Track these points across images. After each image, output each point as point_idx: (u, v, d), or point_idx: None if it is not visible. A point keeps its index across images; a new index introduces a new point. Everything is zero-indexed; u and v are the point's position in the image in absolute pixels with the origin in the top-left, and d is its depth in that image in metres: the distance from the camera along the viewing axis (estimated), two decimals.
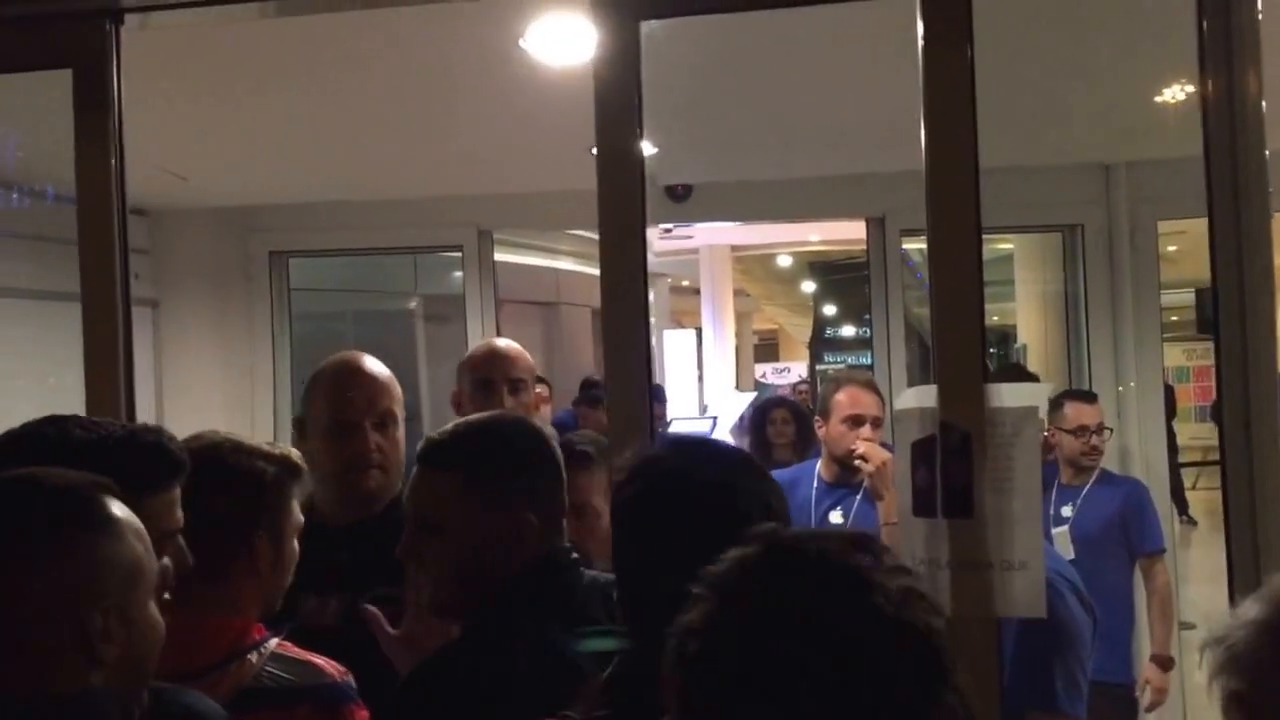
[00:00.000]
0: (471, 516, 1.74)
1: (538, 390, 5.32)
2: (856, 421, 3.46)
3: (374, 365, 2.30)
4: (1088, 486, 4.18)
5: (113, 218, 2.32)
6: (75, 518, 1.31)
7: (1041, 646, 2.25)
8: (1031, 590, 1.98)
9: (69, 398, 2.36)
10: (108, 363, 2.32)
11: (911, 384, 5.70)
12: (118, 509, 1.35)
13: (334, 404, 2.23)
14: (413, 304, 10.31)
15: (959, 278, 1.97)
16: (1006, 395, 1.96)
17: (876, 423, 3.47)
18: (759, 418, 5.85)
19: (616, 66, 2.11)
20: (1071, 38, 3.32)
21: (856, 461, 3.32)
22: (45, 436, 1.59)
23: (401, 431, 2.28)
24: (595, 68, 2.13)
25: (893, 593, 0.93)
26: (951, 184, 1.97)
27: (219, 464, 1.79)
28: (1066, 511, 4.12)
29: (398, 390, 2.30)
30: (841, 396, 3.55)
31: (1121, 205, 5.13)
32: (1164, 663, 4.18)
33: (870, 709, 0.90)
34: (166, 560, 1.55)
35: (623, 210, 2.13)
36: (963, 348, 1.97)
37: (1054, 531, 3.99)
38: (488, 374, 2.74)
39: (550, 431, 2.01)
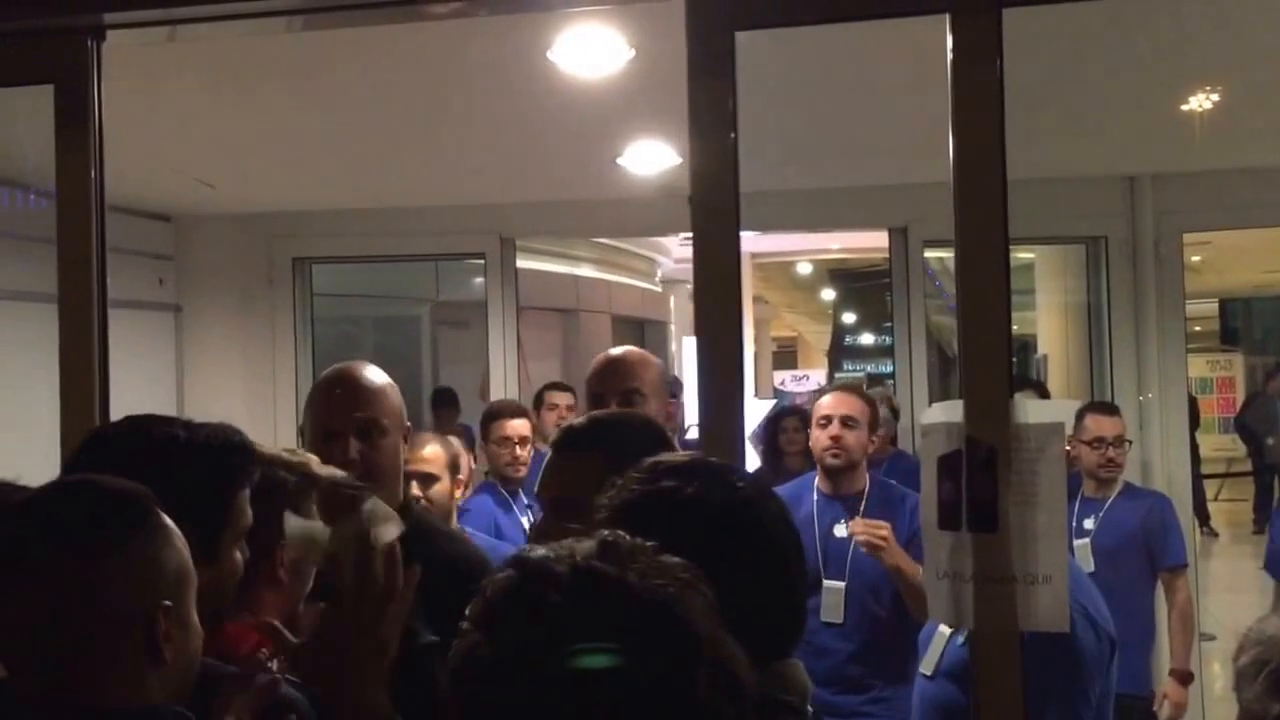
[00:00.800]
0: None
1: (566, 404, 5.35)
2: (826, 421, 3.47)
3: (365, 374, 2.24)
4: (1110, 499, 4.17)
5: (91, 229, 2.36)
6: (135, 519, 1.35)
7: (1040, 671, 2.23)
8: (1055, 605, 1.97)
9: (45, 397, 2.42)
10: (84, 372, 2.35)
11: (931, 392, 5.71)
12: (163, 515, 1.39)
13: (318, 413, 2.22)
14: (423, 310, 10.37)
15: (986, 295, 1.97)
16: (1032, 411, 1.97)
17: (846, 422, 3.46)
18: (771, 426, 5.90)
19: (712, 77, 2.10)
20: (1097, 50, 3.32)
21: (864, 550, 3.26)
22: (148, 433, 1.63)
23: (393, 441, 2.21)
24: (690, 78, 2.11)
25: (648, 596, 0.92)
26: (979, 200, 1.97)
27: None
28: (1089, 524, 4.11)
29: (390, 401, 2.23)
30: (820, 401, 3.60)
31: (1146, 217, 5.12)
32: (1183, 677, 4.16)
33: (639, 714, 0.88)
34: (238, 555, 1.64)
35: (718, 221, 2.10)
36: (989, 364, 1.98)
37: (1075, 544, 3.97)
38: (598, 388, 2.63)
39: None
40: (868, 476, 3.58)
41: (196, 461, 1.58)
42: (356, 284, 9.05)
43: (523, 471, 4.59)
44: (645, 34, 3.03)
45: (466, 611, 0.96)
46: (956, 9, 1.99)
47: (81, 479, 1.42)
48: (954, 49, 2.00)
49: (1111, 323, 5.23)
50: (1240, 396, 13.84)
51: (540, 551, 0.97)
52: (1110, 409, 4.35)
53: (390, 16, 2.50)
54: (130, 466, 1.47)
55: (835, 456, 3.46)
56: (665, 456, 1.43)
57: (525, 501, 4.56)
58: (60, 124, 2.35)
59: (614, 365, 2.67)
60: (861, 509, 3.42)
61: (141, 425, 1.67)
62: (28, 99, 2.44)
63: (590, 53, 3.11)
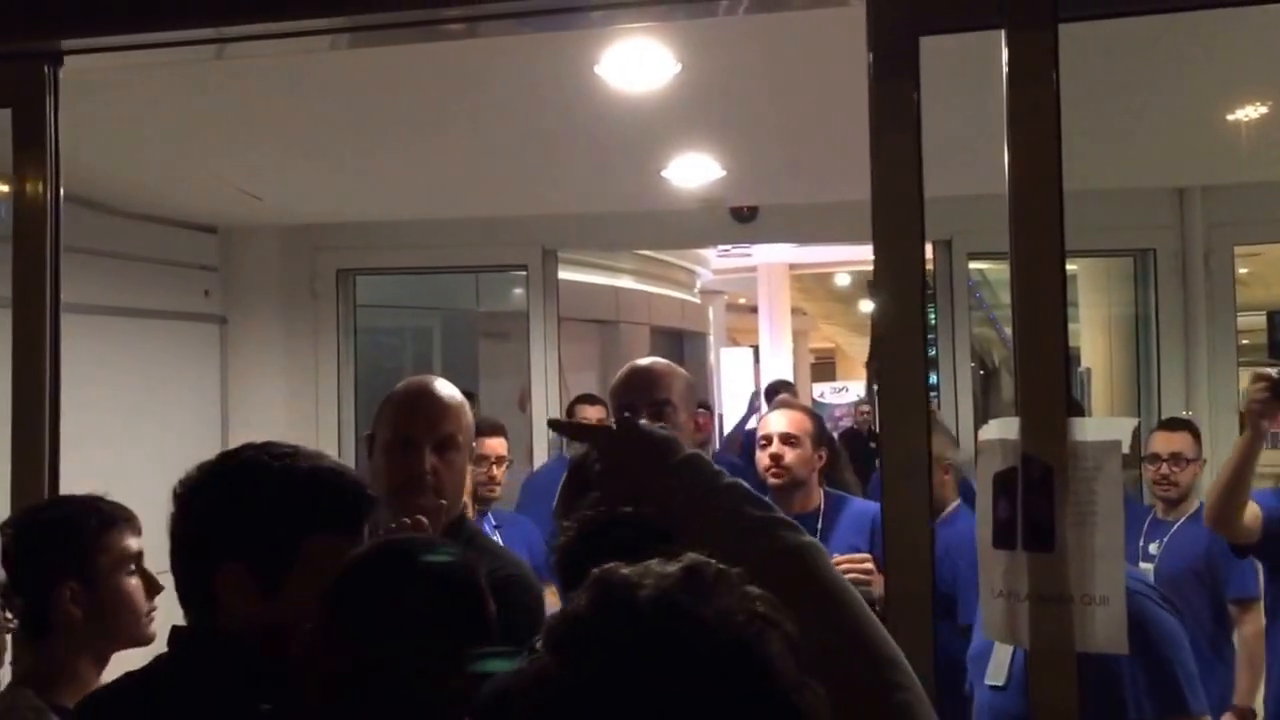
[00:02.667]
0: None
1: (598, 417, 5.30)
2: (767, 441, 3.41)
3: (444, 389, 2.28)
4: (1179, 523, 3.96)
5: (46, 249, 2.40)
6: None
7: (1156, 655, 2.21)
8: (1112, 626, 1.94)
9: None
10: (36, 388, 2.39)
11: (975, 405, 5.66)
12: None
13: (397, 422, 2.24)
14: (434, 321, 10.39)
15: (1042, 312, 1.94)
16: (1090, 429, 1.94)
17: (786, 439, 3.37)
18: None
19: (896, 81, 2.08)
20: (1146, 61, 3.28)
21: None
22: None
23: (464, 457, 2.26)
24: (871, 82, 2.09)
25: (727, 635, 0.90)
26: (1035, 217, 1.95)
27: None
28: (1154, 549, 3.91)
29: (466, 417, 2.27)
30: (764, 419, 3.55)
31: (1196, 229, 5.06)
32: (1244, 715, 3.92)
33: None
34: None
35: (901, 223, 2.07)
36: (1045, 380, 1.95)
37: (1139, 568, 3.78)
38: (628, 398, 2.57)
39: None
40: (821, 493, 3.45)
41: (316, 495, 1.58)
42: (395, 294, 9.09)
43: (497, 492, 4.44)
44: (692, 48, 3.03)
45: (543, 628, 0.94)
46: (1013, 24, 1.97)
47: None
48: (1010, 64, 1.97)
49: (1159, 336, 5.16)
50: None
51: (624, 573, 0.95)
52: (1172, 425, 4.14)
53: (410, 36, 2.50)
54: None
55: (776, 476, 3.35)
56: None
57: (494, 523, 4.37)
58: (18, 146, 2.40)
59: (645, 375, 2.61)
60: (818, 528, 3.29)
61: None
62: None
63: (637, 67, 3.11)
